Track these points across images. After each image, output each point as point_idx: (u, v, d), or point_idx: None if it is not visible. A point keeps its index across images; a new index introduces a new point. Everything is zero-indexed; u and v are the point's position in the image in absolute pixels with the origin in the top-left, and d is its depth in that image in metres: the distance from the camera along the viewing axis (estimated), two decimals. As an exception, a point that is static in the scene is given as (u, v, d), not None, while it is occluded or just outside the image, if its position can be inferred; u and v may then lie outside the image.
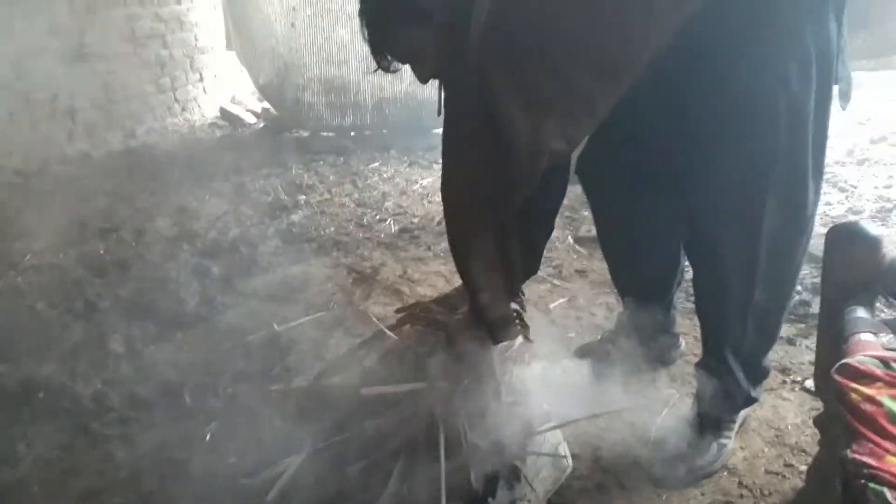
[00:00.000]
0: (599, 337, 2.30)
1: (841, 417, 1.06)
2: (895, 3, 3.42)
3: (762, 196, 1.55)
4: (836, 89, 1.57)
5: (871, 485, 0.94)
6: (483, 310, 1.63)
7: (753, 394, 1.84)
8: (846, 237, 1.45)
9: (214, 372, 2.30)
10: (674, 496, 1.73)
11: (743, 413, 1.90)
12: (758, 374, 1.83)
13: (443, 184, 1.62)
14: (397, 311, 2.03)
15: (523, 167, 1.44)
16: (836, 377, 1.10)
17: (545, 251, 3.00)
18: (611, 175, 1.88)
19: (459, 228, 1.64)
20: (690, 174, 1.63)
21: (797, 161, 1.54)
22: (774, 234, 1.59)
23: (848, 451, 1.00)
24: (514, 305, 1.77)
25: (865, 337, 1.25)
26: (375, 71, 1.61)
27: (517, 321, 1.73)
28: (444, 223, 3.43)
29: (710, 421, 1.83)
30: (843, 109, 1.61)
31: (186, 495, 1.77)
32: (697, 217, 1.69)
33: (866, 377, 1.08)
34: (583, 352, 2.23)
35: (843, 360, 1.14)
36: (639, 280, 2.13)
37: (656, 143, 1.67)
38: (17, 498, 1.80)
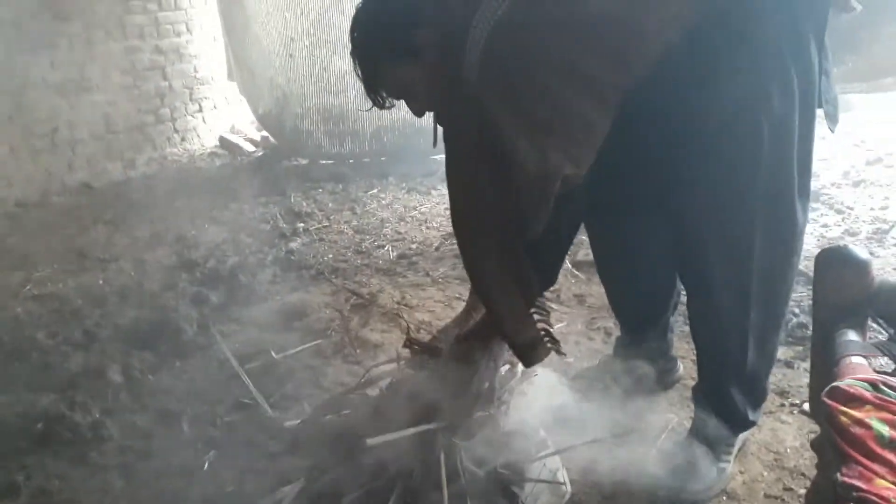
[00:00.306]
0: (598, 362, 2.31)
1: (831, 441, 1.07)
2: (884, 27, 3.47)
3: (749, 219, 1.57)
4: (821, 112, 1.59)
5: (862, 507, 0.94)
6: (510, 336, 1.66)
7: (752, 417, 1.84)
8: (835, 261, 1.46)
9: (212, 400, 2.30)
10: (672, 521, 1.73)
11: (742, 437, 1.90)
12: (757, 397, 1.84)
13: (453, 218, 1.65)
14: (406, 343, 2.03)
15: (534, 193, 1.45)
16: (826, 400, 1.11)
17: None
18: (604, 200, 1.90)
19: (476, 259, 1.66)
20: (677, 200, 1.65)
21: (783, 183, 1.56)
22: (765, 256, 1.60)
23: (838, 475, 1.00)
24: (540, 324, 1.74)
25: (856, 360, 1.26)
26: (370, 109, 1.64)
27: (546, 339, 1.73)
28: (441, 248, 3.48)
29: (709, 445, 1.83)
30: (832, 132, 1.64)
31: (184, 526, 1.77)
32: (686, 242, 1.71)
33: (856, 400, 1.09)
34: (581, 377, 2.23)
35: (833, 384, 1.14)
36: (635, 303, 2.15)
37: (644, 169, 1.69)
38: (15, 529, 1.80)
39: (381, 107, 1.63)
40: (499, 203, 1.52)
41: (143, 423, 2.20)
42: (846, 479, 0.99)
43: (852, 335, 1.34)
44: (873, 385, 1.11)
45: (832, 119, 1.61)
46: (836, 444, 1.05)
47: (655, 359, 2.18)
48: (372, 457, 1.68)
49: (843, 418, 1.06)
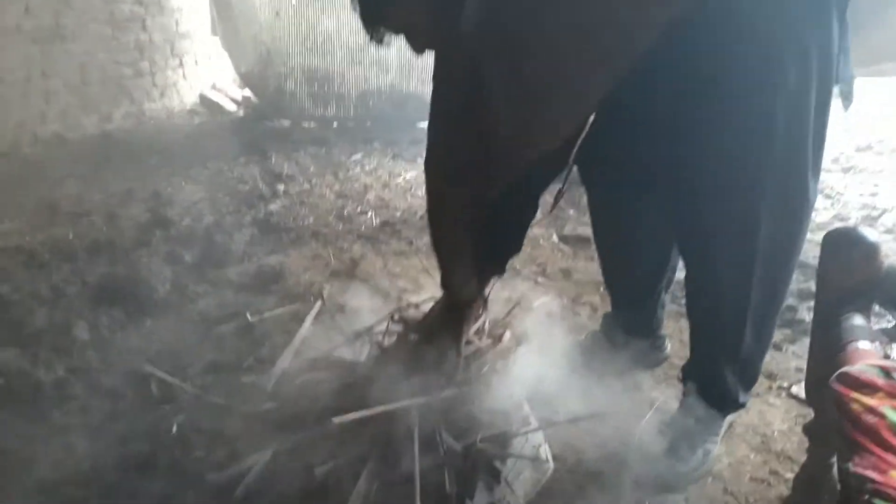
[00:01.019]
0: (583, 337, 2.25)
1: (841, 428, 1.01)
2: (879, 13, 3.42)
3: (759, 194, 1.50)
4: (837, 90, 1.53)
5: (876, 500, 0.89)
6: (452, 289, 1.74)
7: (742, 399, 1.79)
8: (844, 242, 1.41)
9: (183, 362, 2.22)
10: (657, 502, 1.68)
11: (728, 418, 1.86)
12: (749, 380, 1.79)
13: (427, 156, 1.61)
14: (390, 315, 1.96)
15: (506, 156, 1.43)
16: (836, 386, 1.06)
17: (530, 249, 2.97)
18: (609, 169, 1.82)
19: (439, 204, 1.66)
20: (686, 173, 1.58)
21: (796, 160, 1.49)
22: (771, 235, 1.54)
23: (850, 465, 0.95)
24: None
25: (863, 345, 1.21)
26: (371, 40, 1.54)
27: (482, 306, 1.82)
28: (427, 217, 3.39)
29: (696, 426, 1.78)
30: (846, 110, 1.57)
31: (150, 489, 1.69)
32: (692, 216, 1.64)
33: (867, 387, 1.04)
34: (567, 352, 2.17)
35: (843, 369, 1.09)
36: (630, 276, 2.08)
37: (653, 140, 1.62)
38: (-31, 489, 1.71)
39: (380, 42, 1.54)
40: (472, 155, 1.48)
41: (109, 382, 2.10)
42: (859, 469, 0.93)
43: (859, 319, 1.28)
44: (885, 372, 1.05)
45: (847, 98, 1.55)
46: (846, 433, 0.99)
47: (644, 336, 2.13)
48: (346, 429, 1.62)
49: (855, 405, 1.00)
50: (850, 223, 3.12)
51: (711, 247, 1.61)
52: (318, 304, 2.43)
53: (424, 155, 1.61)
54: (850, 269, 1.37)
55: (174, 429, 1.90)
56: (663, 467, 1.74)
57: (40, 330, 2.32)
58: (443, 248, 1.72)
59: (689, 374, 1.86)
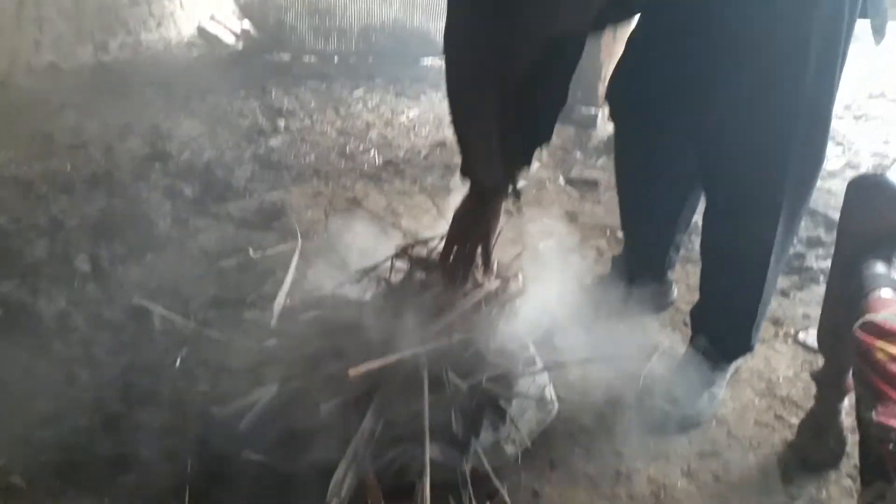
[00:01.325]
0: (590, 280, 2.23)
1: (863, 377, 0.99)
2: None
3: (791, 122, 1.47)
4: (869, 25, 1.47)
5: (901, 447, 0.87)
6: (476, 174, 1.64)
7: (752, 342, 1.79)
8: (869, 188, 1.37)
9: (185, 297, 2.19)
10: (660, 444, 1.69)
11: (735, 363, 1.85)
12: (760, 322, 1.77)
13: (446, 28, 1.50)
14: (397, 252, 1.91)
15: (531, 38, 1.38)
16: (860, 335, 1.03)
17: (535, 191, 2.92)
18: (639, 100, 1.77)
19: (459, 77, 1.54)
20: (721, 99, 1.53)
21: (825, 88, 1.46)
22: (799, 167, 1.52)
23: (873, 414, 0.93)
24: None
25: (886, 293, 1.18)
26: None
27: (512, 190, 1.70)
28: (430, 157, 3.33)
29: (703, 369, 1.78)
30: (878, 44, 1.52)
31: (154, 421, 1.69)
32: (725, 146, 1.58)
33: (892, 335, 1.01)
34: (573, 295, 2.15)
35: (867, 317, 1.06)
36: (650, 215, 2.04)
37: (685, 68, 1.57)
38: (-28, 418, 1.71)
39: None
40: (495, 24, 1.39)
41: (110, 315, 2.08)
42: (882, 418, 0.91)
43: (881, 267, 1.25)
44: (911, 319, 1.03)
45: (879, 32, 1.49)
46: (870, 381, 0.97)
47: (653, 279, 2.10)
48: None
49: (880, 354, 0.98)
50: (862, 170, 3.07)
51: (742, 179, 1.57)
52: (316, 240, 2.40)
53: (444, 30, 1.49)
54: (873, 216, 1.33)
55: (177, 362, 1.89)
56: (669, 410, 1.74)
57: (40, 261, 2.29)
58: (465, 127, 1.61)
59: (698, 318, 1.84)
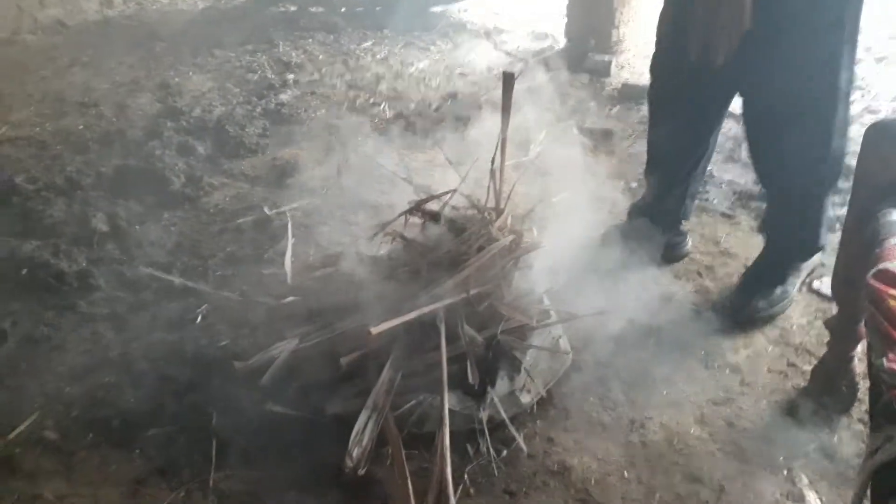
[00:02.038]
0: (603, 231, 2.23)
1: (875, 325, 1.00)
2: None
3: (839, 37, 1.65)
4: None
5: (910, 394, 0.89)
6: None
7: (822, 241, 1.94)
8: (884, 136, 1.35)
9: (203, 254, 2.23)
10: (673, 391, 1.72)
11: (809, 263, 2.00)
12: (823, 219, 1.91)
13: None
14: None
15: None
16: (874, 283, 1.04)
17: (549, 142, 2.91)
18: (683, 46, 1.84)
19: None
20: (777, 23, 1.65)
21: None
22: (845, 77, 1.70)
23: (883, 360, 0.94)
24: None
25: (901, 241, 1.18)
26: None
27: None
28: (441, 109, 3.31)
29: (775, 267, 1.96)
30: None
31: (178, 375, 1.74)
32: (779, 69, 1.71)
33: (906, 283, 1.02)
34: (587, 247, 2.17)
35: (882, 266, 1.07)
36: (675, 159, 2.10)
37: None
38: (5, 374, 1.76)
39: None
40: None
41: (131, 274, 2.12)
42: (893, 365, 0.93)
43: (896, 215, 1.25)
44: (926, 268, 1.03)
45: None
46: (881, 329, 0.98)
47: (669, 227, 2.15)
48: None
49: (893, 302, 0.99)
50: (881, 116, 3.02)
51: (802, 97, 1.70)
52: (329, 196, 2.41)
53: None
54: (889, 163, 1.33)
55: (199, 318, 1.93)
56: (741, 304, 1.91)
57: (59, 221, 2.33)
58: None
59: (768, 222, 2.03)
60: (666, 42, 1.97)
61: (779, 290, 1.94)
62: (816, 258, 2.05)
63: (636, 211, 2.21)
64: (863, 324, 1.40)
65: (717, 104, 1.96)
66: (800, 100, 1.70)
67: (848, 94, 1.75)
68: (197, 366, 1.77)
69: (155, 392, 1.69)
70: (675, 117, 2.01)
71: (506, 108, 1.69)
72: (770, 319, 1.93)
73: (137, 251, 2.23)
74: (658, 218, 2.11)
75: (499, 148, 1.74)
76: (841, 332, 1.54)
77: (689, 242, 2.22)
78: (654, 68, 2.06)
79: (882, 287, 1.02)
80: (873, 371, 0.97)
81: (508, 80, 1.65)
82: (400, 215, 1.85)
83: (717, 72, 1.74)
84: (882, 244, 1.18)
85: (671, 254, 2.17)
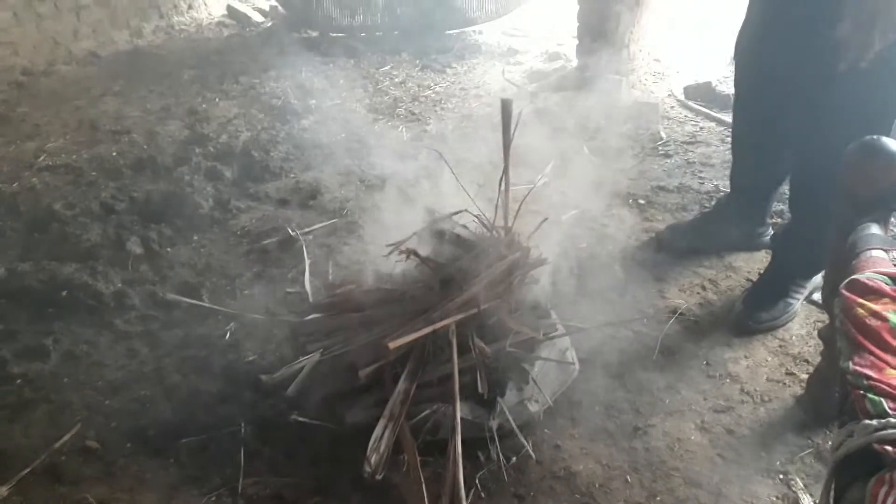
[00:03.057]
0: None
1: (845, 332, 1.09)
2: None
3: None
4: None
5: (870, 395, 0.98)
6: None
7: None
8: (866, 152, 1.43)
9: (231, 274, 2.35)
10: (675, 400, 1.80)
11: (814, 281, 2.07)
12: None
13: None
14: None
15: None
16: (845, 292, 1.13)
17: (558, 161, 3.00)
18: (766, 62, 1.97)
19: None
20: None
21: None
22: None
23: (849, 363, 1.03)
24: None
25: (877, 253, 1.27)
26: None
27: None
28: (457, 131, 3.42)
29: (780, 279, 2.04)
30: None
31: (208, 389, 1.86)
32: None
33: (874, 293, 1.11)
34: (595, 263, 2.27)
35: (854, 276, 1.15)
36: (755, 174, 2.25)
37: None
38: (50, 388, 1.89)
39: None
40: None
41: (164, 294, 2.25)
42: (858, 367, 1.01)
43: (875, 228, 1.33)
44: (893, 279, 1.12)
45: None
46: (849, 335, 1.07)
47: (755, 219, 2.34)
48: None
49: (860, 310, 1.07)
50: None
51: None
52: (349, 217, 2.52)
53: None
54: (870, 179, 1.40)
55: (227, 335, 2.05)
56: (744, 313, 2.00)
57: (96, 245, 2.47)
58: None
59: (779, 241, 2.10)
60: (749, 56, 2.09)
61: (781, 304, 2.02)
62: (821, 275, 2.11)
63: (725, 202, 2.42)
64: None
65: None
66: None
67: None
68: (226, 379, 1.90)
69: (187, 404, 1.81)
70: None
71: (505, 132, 1.80)
72: (771, 330, 2.01)
73: (169, 272, 2.37)
74: (741, 212, 2.31)
75: (504, 170, 1.84)
76: (832, 341, 1.61)
77: (769, 234, 2.37)
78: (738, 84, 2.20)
79: (851, 296, 1.10)
80: (841, 374, 1.06)
81: (507, 106, 1.76)
82: (413, 234, 1.95)
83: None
84: (858, 256, 1.26)
85: (752, 243, 2.36)
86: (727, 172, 2.48)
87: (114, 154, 3.23)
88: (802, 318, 2.05)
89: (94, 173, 3.05)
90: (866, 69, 1.62)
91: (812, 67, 1.78)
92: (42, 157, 3.22)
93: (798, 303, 2.05)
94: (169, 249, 2.49)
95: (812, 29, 1.74)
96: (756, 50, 2.01)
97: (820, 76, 1.75)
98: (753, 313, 2.00)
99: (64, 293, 2.23)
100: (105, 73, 4.39)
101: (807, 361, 1.89)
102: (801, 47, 1.82)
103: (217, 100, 3.90)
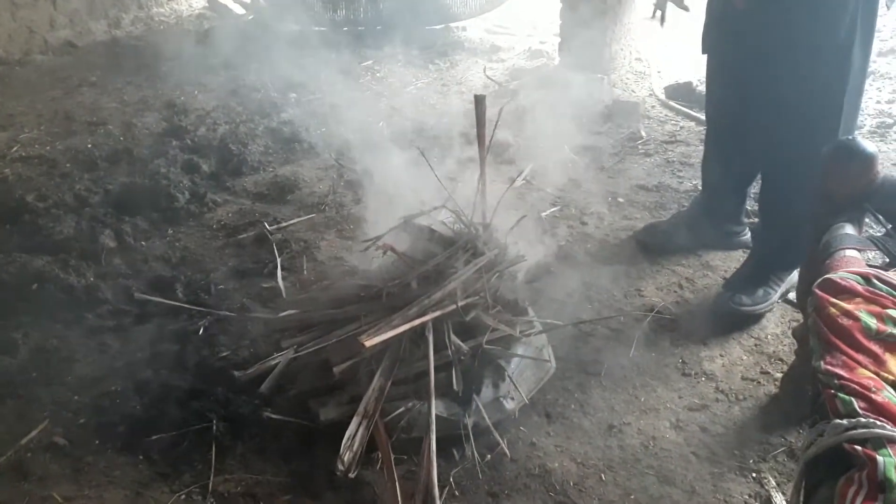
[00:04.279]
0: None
1: (817, 331, 1.09)
2: None
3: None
4: None
5: (841, 395, 0.98)
6: None
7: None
8: (842, 153, 1.44)
9: (206, 269, 2.32)
10: (651, 398, 1.80)
11: (792, 279, 2.08)
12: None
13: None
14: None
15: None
16: (817, 292, 1.13)
17: (540, 160, 3.00)
18: (725, 57, 2.05)
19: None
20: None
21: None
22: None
23: (821, 363, 1.03)
24: None
25: (850, 253, 1.27)
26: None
27: None
28: (436, 128, 3.40)
29: (760, 269, 2.06)
30: (888, 9, 1.68)
31: (180, 385, 1.82)
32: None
33: (847, 292, 1.11)
34: (572, 259, 2.26)
35: (827, 276, 1.16)
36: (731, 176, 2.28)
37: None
38: (18, 384, 1.85)
39: None
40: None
41: (136, 288, 2.21)
42: (829, 367, 1.01)
43: (849, 228, 1.34)
44: (866, 278, 1.12)
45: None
46: (821, 334, 1.07)
47: (729, 218, 2.37)
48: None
49: (833, 309, 1.08)
50: (863, 130, 3.10)
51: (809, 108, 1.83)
52: (327, 212, 2.50)
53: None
54: (846, 180, 1.41)
55: (201, 330, 2.02)
56: (724, 296, 2.02)
57: (68, 238, 2.42)
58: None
59: (758, 237, 2.18)
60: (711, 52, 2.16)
61: (761, 292, 2.05)
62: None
63: (698, 202, 2.44)
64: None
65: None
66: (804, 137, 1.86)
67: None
68: (199, 375, 1.86)
69: (158, 400, 1.77)
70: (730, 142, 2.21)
71: (480, 127, 1.79)
72: (749, 319, 2.02)
73: (143, 266, 2.33)
74: (719, 212, 2.34)
75: (481, 166, 1.83)
76: (806, 340, 1.62)
77: (748, 234, 2.38)
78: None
79: (824, 296, 1.11)
80: (813, 373, 1.06)
81: (480, 102, 1.76)
82: (391, 230, 1.93)
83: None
84: (832, 256, 1.27)
85: (730, 242, 2.38)
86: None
87: (89, 146, 3.18)
88: (778, 317, 2.06)
89: (68, 165, 3.00)
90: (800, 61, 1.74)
91: (758, 61, 1.88)
92: (15, 148, 3.16)
93: (777, 294, 2.07)
94: (143, 243, 2.46)
95: (751, 20, 1.84)
96: (715, 46, 2.09)
97: (766, 69, 1.85)
98: (735, 295, 2.03)
99: (35, 286, 2.19)
100: (82, 63, 4.32)
101: (781, 360, 1.90)
102: (744, 41, 1.92)
103: (196, 92, 3.85)
